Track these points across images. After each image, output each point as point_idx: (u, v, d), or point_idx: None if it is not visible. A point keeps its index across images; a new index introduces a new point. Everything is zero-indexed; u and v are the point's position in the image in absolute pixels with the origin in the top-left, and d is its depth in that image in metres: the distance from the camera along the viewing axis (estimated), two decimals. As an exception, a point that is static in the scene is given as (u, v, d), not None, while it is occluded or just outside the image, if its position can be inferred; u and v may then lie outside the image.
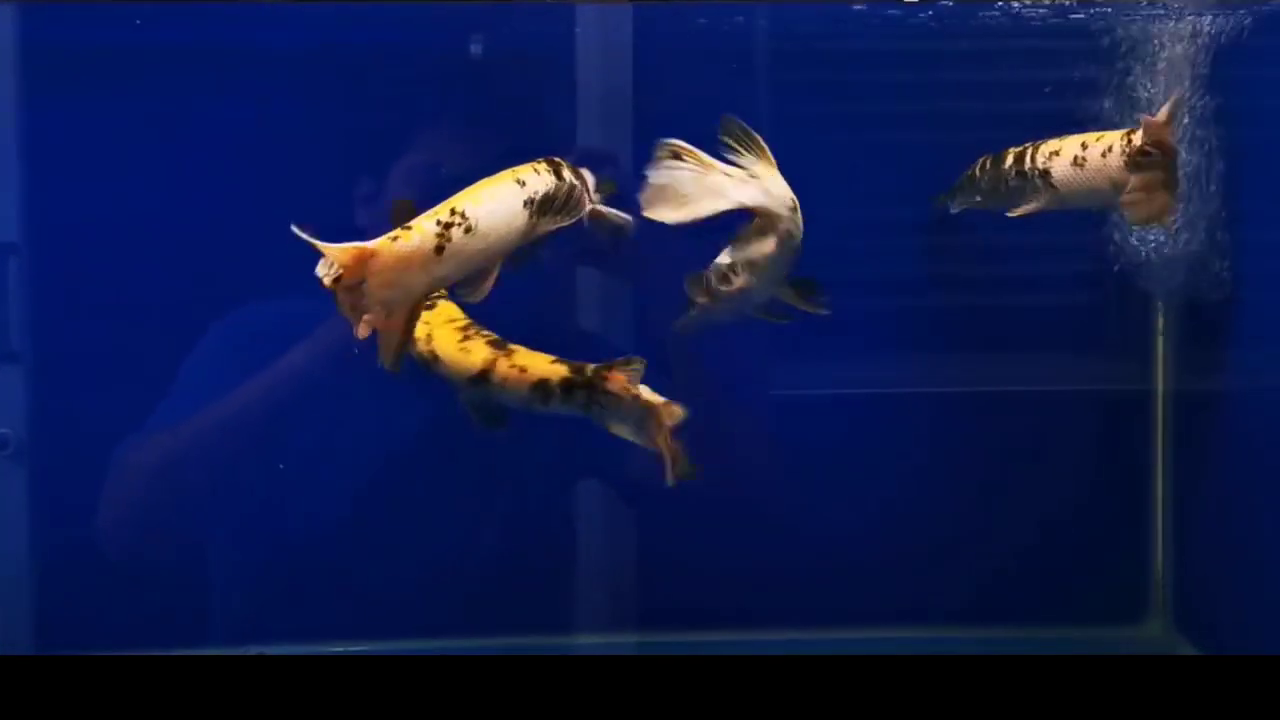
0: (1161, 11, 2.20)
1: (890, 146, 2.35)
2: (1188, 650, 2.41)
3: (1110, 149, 1.98)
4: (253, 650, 2.24)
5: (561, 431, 2.30)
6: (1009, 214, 2.11)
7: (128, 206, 2.17)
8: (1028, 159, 2.09)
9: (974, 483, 2.43)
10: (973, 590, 2.43)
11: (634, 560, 2.39)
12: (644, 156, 1.89)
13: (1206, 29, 2.19)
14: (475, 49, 2.21)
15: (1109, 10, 2.21)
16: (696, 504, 2.31)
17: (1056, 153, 2.05)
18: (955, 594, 2.43)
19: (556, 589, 2.39)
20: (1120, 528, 2.47)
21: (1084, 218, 2.25)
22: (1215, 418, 2.37)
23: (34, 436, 2.26)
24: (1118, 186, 1.97)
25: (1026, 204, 2.10)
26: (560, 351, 1.97)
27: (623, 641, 2.38)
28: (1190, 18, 2.19)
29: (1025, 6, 2.19)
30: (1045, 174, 2.06)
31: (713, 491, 2.31)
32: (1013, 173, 2.11)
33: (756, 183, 1.89)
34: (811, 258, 2.32)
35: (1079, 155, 2.02)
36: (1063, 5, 2.19)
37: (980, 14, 2.22)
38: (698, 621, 2.39)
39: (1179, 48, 2.22)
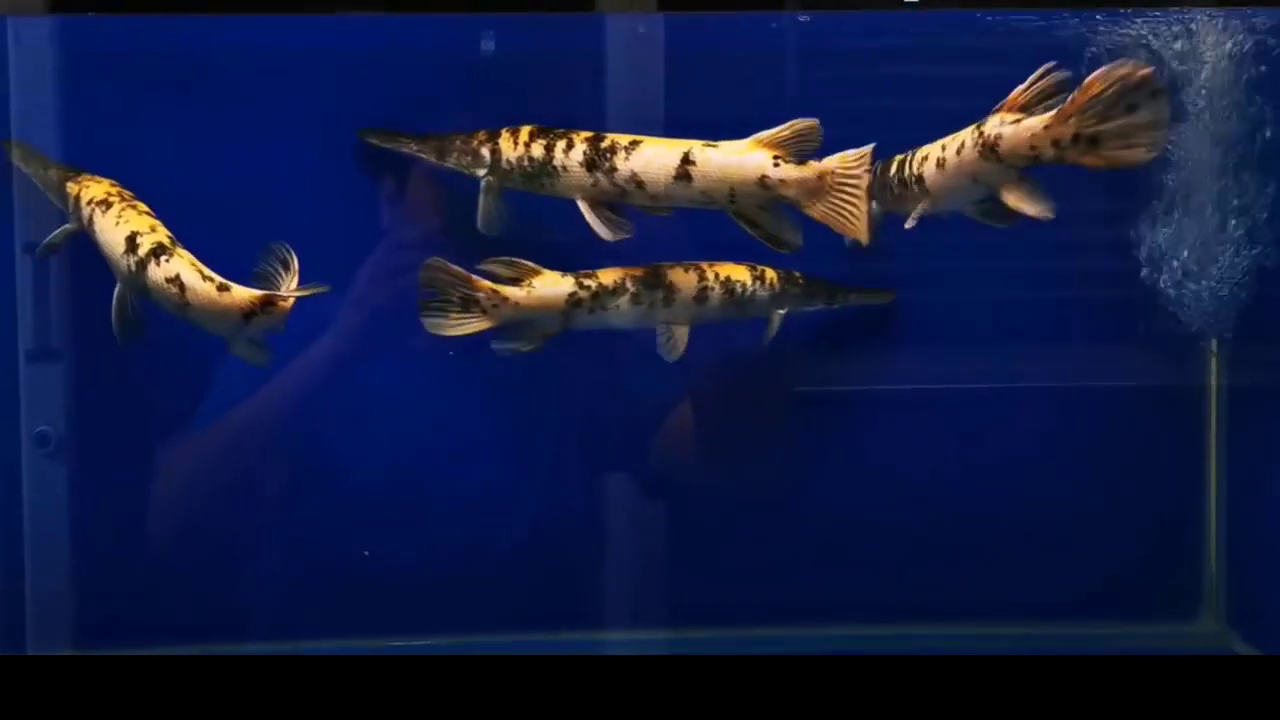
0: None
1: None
2: (1240, 647, 2.40)
3: (962, 145, 1.99)
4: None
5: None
6: (906, 226, 2.11)
7: (166, 202, 2.17)
8: (906, 166, 2.10)
9: (1027, 478, 2.41)
10: (1026, 585, 2.41)
11: (660, 555, 2.39)
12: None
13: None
14: (486, 45, 2.21)
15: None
16: (719, 499, 2.33)
17: (925, 157, 2.07)
18: (1008, 589, 2.41)
19: (578, 584, 2.38)
20: (1174, 524, 2.45)
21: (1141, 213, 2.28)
22: (1270, 413, 2.35)
23: (74, 435, 2.28)
24: (979, 180, 1.97)
25: (910, 210, 2.10)
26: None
27: (650, 638, 2.38)
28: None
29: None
30: (920, 179, 2.07)
31: (739, 487, 2.33)
32: (896, 180, 2.12)
33: None
34: (855, 252, 2.32)
35: (940, 158, 2.03)
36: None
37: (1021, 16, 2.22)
38: (718, 617, 2.39)
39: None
